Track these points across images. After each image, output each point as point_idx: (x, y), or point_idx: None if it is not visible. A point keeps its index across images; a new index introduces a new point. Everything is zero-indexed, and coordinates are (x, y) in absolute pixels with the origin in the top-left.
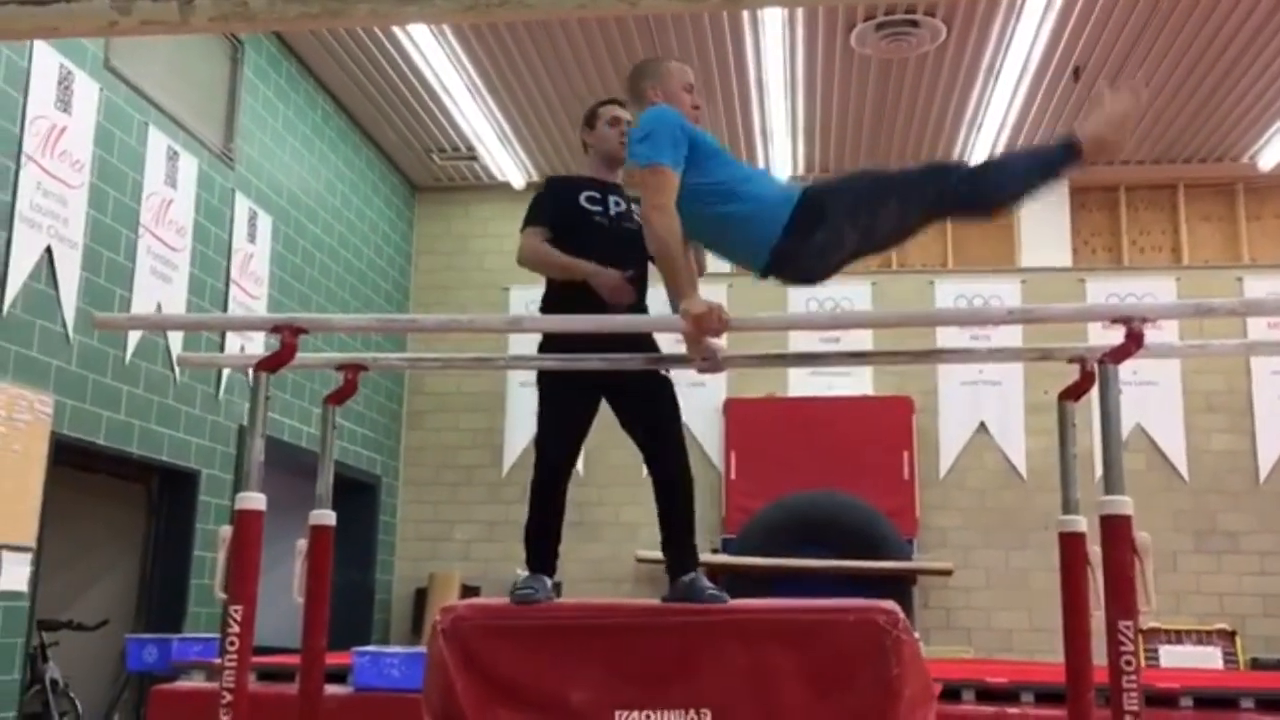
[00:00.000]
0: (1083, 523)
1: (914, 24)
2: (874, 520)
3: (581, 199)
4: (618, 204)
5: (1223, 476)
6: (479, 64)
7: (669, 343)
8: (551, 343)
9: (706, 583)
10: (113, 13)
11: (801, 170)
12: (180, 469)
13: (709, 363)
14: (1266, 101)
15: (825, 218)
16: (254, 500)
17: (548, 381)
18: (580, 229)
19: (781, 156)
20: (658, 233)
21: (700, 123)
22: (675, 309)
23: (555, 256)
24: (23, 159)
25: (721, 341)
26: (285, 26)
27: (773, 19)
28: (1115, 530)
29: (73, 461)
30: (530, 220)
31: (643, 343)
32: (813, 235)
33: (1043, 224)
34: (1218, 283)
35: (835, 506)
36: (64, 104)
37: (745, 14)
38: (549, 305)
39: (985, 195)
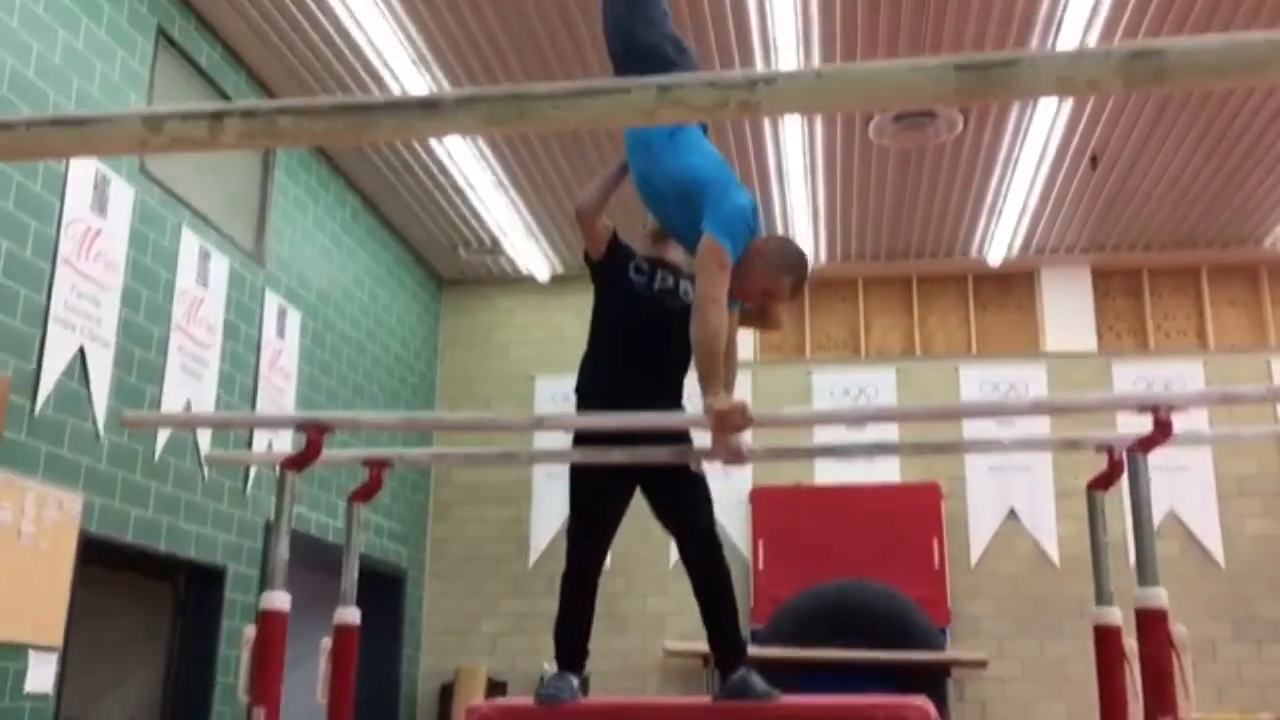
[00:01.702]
0: (1117, 614)
1: (931, 115)
2: (906, 609)
3: (630, 266)
4: (664, 279)
5: (1259, 562)
6: (504, 160)
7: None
8: (584, 432)
9: (758, 680)
10: (144, 131)
11: (823, 258)
12: (207, 565)
13: (734, 457)
14: None
15: None
16: (278, 600)
17: (580, 472)
18: (618, 290)
19: (802, 243)
20: (711, 325)
21: None
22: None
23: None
24: (58, 261)
25: (746, 436)
26: (313, 142)
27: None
28: (1151, 624)
29: (100, 559)
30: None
31: (679, 438)
32: None
33: (1067, 309)
34: (1245, 367)
35: (866, 596)
36: (99, 207)
37: None
38: (588, 392)
39: None
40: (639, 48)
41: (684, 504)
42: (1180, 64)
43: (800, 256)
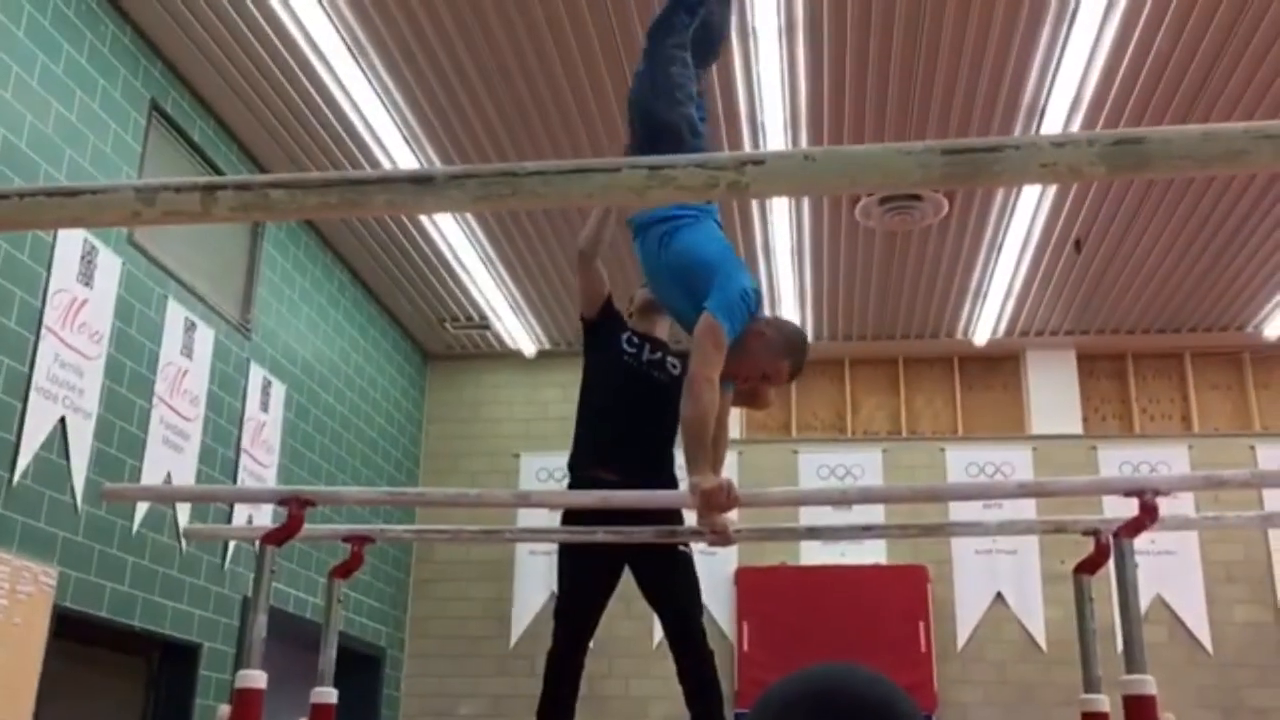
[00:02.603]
0: (1106, 702)
1: (917, 198)
2: (893, 696)
3: (622, 338)
4: (653, 353)
5: (1247, 650)
6: (492, 236)
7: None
8: (573, 510)
9: None
10: (137, 203)
11: (810, 337)
12: (182, 642)
13: (719, 537)
14: (1268, 272)
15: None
16: (254, 679)
17: (568, 550)
18: (608, 357)
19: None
20: (701, 405)
21: None
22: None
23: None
24: (42, 331)
25: (732, 515)
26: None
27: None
28: (1140, 712)
29: (73, 634)
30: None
31: (669, 514)
32: None
33: (1052, 391)
34: (1231, 451)
35: (853, 681)
36: (86, 278)
37: None
38: (578, 468)
39: None
40: (656, 124)
41: (674, 585)
42: (1161, 153)
43: (801, 341)
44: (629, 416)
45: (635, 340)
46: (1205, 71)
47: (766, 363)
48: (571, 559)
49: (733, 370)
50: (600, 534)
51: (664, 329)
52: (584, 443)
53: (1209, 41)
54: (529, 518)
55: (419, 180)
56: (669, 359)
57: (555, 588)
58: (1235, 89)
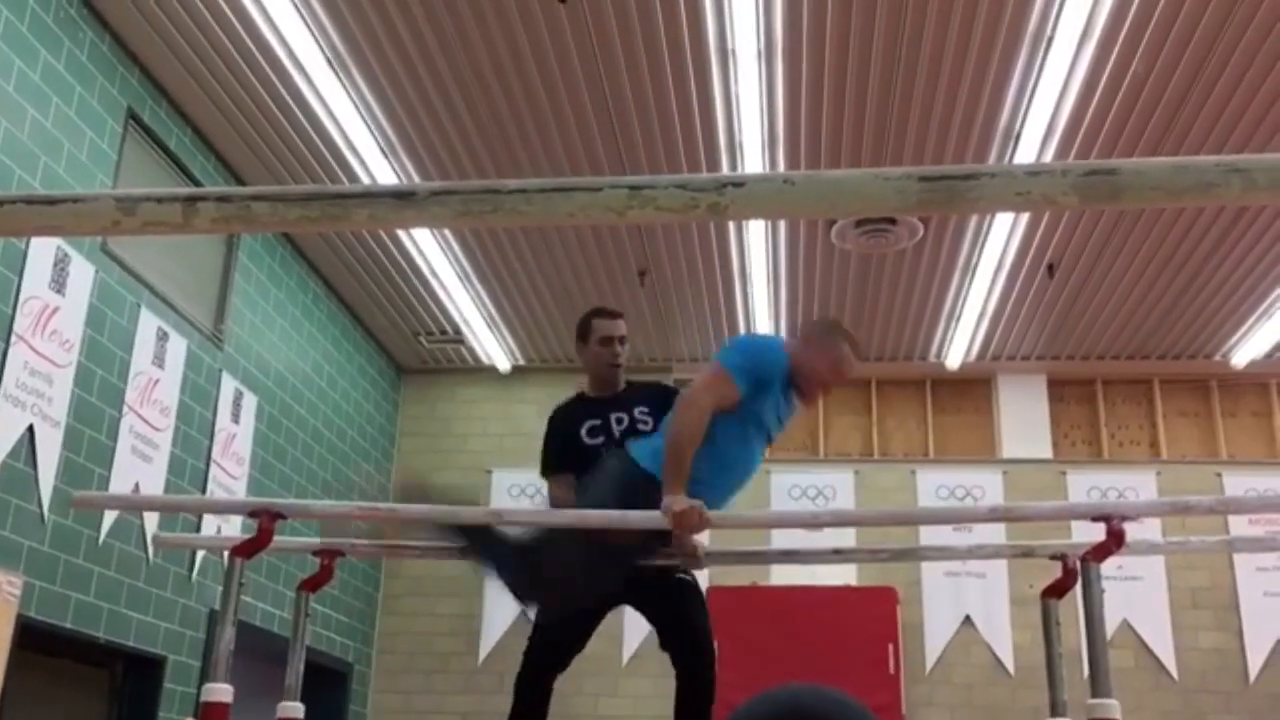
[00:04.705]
0: None
1: (892, 222)
2: (861, 717)
3: (583, 433)
4: (620, 420)
5: (1211, 676)
6: (469, 251)
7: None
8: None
9: None
10: (117, 213)
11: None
12: (146, 654)
13: (690, 559)
14: (1236, 301)
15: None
16: (220, 692)
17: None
18: (586, 464)
19: None
20: (685, 424)
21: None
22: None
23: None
24: (12, 338)
25: (704, 538)
26: (286, 229)
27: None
28: None
29: (37, 645)
30: (546, 469)
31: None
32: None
33: (1022, 415)
34: (1197, 478)
35: (821, 701)
36: (58, 285)
37: None
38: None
39: None
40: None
41: (694, 610)
42: (1133, 183)
43: (832, 321)
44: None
45: (598, 425)
46: (1179, 100)
47: (828, 356)
48: (555, 603)
49: (806, 386)
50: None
51: (626, 331)
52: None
53: (1183, 70)
54: None
55: (401, 195)
56: (638, 412)
57: (532, 611)
58: (1208, 118)
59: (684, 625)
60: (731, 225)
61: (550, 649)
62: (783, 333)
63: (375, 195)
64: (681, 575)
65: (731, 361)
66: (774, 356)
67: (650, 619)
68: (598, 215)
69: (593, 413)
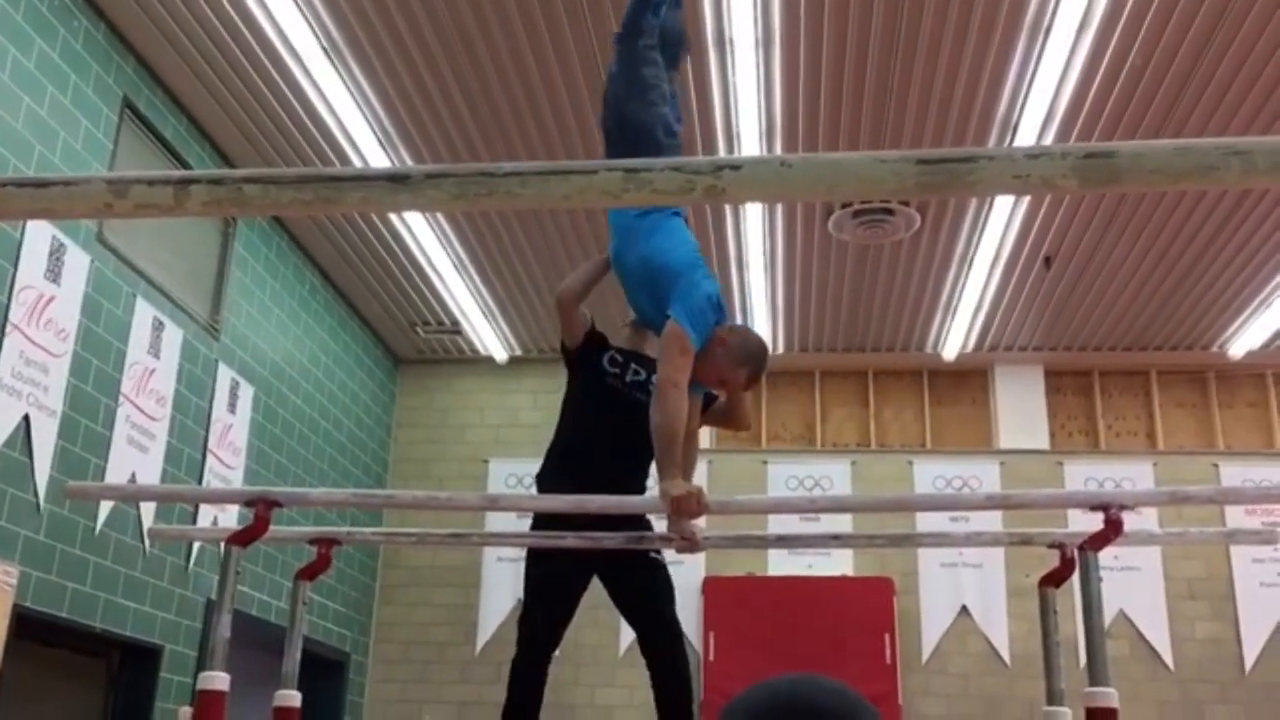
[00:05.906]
0: (1068, 715)
1: (889, 212)
2: (858, 707)
3: (605, 359)
4: (636, 372)
5: (1207, 666)
6: (465, 241)
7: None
8: (544, 516)
9: None
10: (109, 195)
11: (781, 348)
12: (143, 644)
13: (687, 543)
14: (1233, 292)
15: None
16: (217, 680)
17: (537, 556)
18: (591, 379)
19: (761, 332)
20: (669, 409)
21: None
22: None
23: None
24: (7, 327)
25: (701, 523)
26: (278, 212)
27: (753, 204)
28: None
29: (33, 635)
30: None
31: (637, 522)
32: None
33: (1019, 406)
34: (1194, 468)
35: (817, 691)
36: (54, 274)
37: None
38: (550, 480)
39: None
40: (631, 126)
41: (648, 594)
42: (1132, 166)
43: (760, 350)
44: (605, 436)
45: (619, 359)
46: (1179, 87)
47: (725, 369)
48: (539, 567)
49: (693, 374)
50: (569, 539)
51: (655, 345)
52: (555, 457)
53: (1182, 56)
54: (497, 523)
55: (395, 178)
56: (653, 378)
57: (521, 596)
58: (1208, 104)
59: (644, 603)
60: (729, 214)
61: (538, 633)
62: (780, 323)
63: (369, 178)
64: (654, 555)
65: (691, 331)
66: (713, 297)
67: (611, 593)
68: (594, 198)
69: (621, 351)
